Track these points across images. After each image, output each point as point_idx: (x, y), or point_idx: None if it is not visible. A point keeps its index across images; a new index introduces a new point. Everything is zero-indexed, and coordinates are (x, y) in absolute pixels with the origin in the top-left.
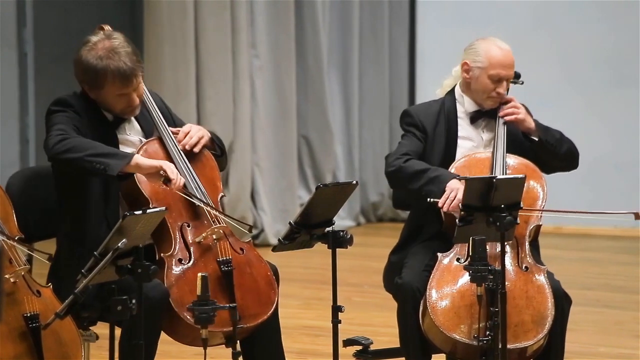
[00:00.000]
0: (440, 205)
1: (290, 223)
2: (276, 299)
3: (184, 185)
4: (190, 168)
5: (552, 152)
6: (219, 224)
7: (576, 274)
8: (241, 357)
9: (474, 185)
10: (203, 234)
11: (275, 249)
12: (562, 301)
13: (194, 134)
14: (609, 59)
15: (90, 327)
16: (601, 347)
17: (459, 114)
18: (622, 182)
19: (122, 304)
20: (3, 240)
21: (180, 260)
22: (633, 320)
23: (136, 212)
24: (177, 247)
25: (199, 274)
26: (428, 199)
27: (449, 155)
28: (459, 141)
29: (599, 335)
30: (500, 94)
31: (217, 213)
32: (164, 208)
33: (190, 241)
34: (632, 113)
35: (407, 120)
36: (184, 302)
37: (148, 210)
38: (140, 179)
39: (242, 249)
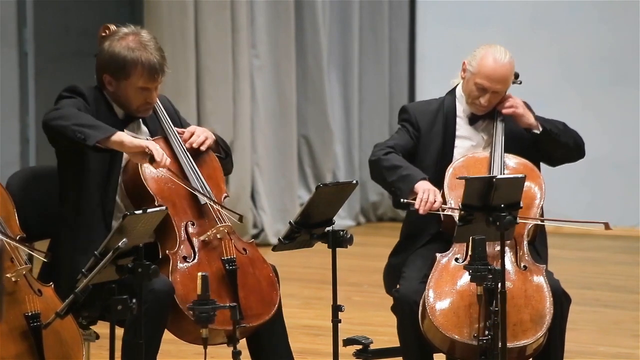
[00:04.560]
0: (416, 207)
1: (290, 222)
2: (278, 300)
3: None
4: (196, 167)
5: (556, 141)
6: (223, 222)
7: (575, 274)
8: (241, 357)
9: (474, 184)
10: (207, 233)
11: (275, 248)
12: (561, 300)
13: (200, 133)
14: (608, 58)
15: (90, 327)
16: (600, 347)
17: (458, 114)
18: (621, 182)
19: (122, 304)
20: (4, 240)
21: (184, 258)
22: (632, 320)
23: (137, 212)
24: (181, 245)
25: (199, 274)
26: (401, 200)
27: (446, 154)
28: (458, 141)
29: (598, 334)
30: (482, 105)
31: (211, 203)
32: (164, 207)
33: (195, 239)
34: (631, 113)
35: (403, 116)
36: (188, 299)
37: (148, 210)
38: (146, 175)
39: (245, 249)
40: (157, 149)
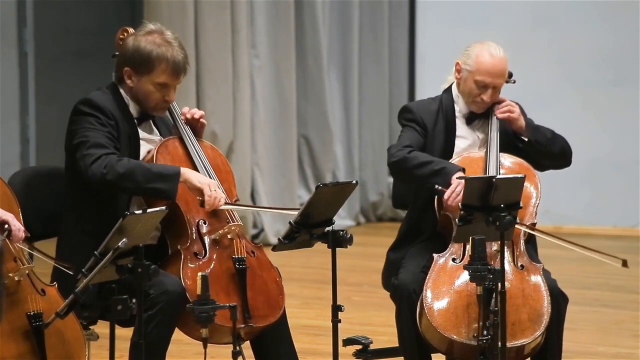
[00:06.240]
0: (445, 197)
1: (290, 222)
2: (284, 304)
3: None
4: (211, 168)
5: (542, 151)
6: (235, 222)
7: (575, 274)
8: (240, 357)
9: (474, 184)
10: (219, 232)
11: (275, 248)
12: (559, 299)
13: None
14: (608, 58)
15: (90, 327)
16: (600, 347)
17: (455, 113)
18: (620, 182)
19: (122, 304)
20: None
21: (195, 254)
22: (632, 320)
23: (136, 212)
24: (193, 242)
25: (199, 274)
26: (435, 186)
27: (448, 153)
28: (456, 140)
29: (597, 334)
30: (485, 101)
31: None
32: (164, 208)
33: (206, 237)
34: (630, 113)
35: (407, 116)
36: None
37: (148, 210)
38: None
39: (253, 252)
40: (209, 194)
